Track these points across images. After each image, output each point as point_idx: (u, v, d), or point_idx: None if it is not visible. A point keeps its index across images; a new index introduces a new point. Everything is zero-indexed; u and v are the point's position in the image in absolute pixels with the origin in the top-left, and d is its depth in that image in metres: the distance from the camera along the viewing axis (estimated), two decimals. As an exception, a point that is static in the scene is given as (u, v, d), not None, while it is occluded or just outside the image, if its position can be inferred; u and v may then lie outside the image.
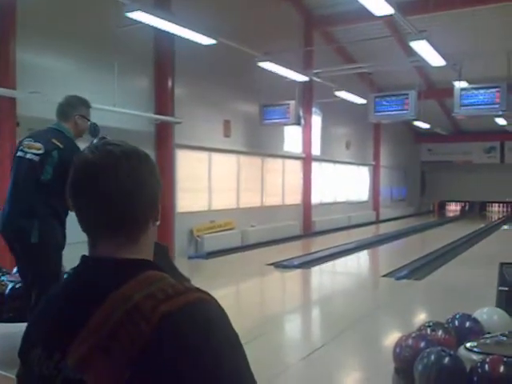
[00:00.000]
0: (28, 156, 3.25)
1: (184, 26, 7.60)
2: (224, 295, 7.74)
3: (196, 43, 8.19)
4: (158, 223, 1.04)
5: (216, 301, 0.92)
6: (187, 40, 8.11)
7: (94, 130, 3.46)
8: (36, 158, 3.23)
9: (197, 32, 7.79)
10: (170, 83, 10.07)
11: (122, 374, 0.80)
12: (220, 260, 10.52)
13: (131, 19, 7.15)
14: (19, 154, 3.33)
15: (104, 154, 0.95)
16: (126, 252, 0.95)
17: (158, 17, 7.24)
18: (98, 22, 8.53)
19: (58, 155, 3.21)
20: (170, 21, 7.44)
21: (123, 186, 0.94)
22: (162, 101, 10.02)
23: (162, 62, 9.98)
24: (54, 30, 7.96)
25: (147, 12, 7.01)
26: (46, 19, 7.85)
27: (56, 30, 7.99)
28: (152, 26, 7.73)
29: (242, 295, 8.23)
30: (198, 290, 0.91)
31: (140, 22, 7.35)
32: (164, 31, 7.92)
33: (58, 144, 3.24)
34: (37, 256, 3.23)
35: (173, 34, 8.03)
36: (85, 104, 3.50)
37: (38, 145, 3.25)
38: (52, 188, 3.18)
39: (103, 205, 0.94)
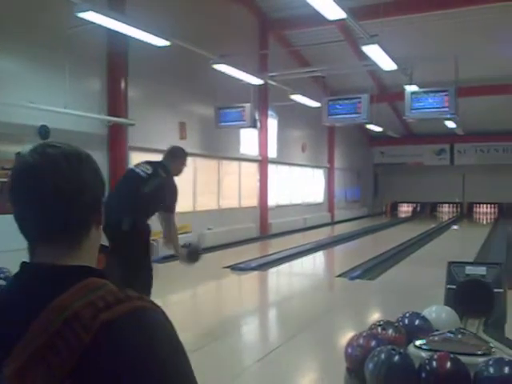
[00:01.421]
0: (142, 174, 4.68)
1: (137, 27, 7.52)
2: (180, 299, 7.68)
3: (150, 45, 8.11)
4: (101, 227, 1.02)
5: (160, 308, 0.90)
6: (141, 41, 8.02)
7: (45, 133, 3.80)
8: (144, 175, 4.67)
9: (150, 33, 7.72)
10: (123, 84, 9.90)
11: None
12: (176, 264, 10.34)
13: (83, 19, 7.02)
14: (135, 170, 4.79)
15: (42, 157, 0.92)
16: (66, 258, 0.92)
17: (111, 17, 7.13)
18: (48, 22, 8.32)
19: (159, 180, 4.72)
20: (122, 22, 7.34)
21: (62, 188, 0.91)
22: (115, 102, 9.84)
23: (115, 63, 9.81)
24: (1, 29, 7.71)
25: (99, 12, 6.90)
26: (-7, 18, 7.62)
27: (4, 29, 7.75)
28: (105, 27, 7.61)
29: (199, 299, 8.18)
30: (141, 297, 0.89)
31: (92, 23, 7.22)
32: (117, 32, 7.81)
33: (162, 173, 4.76)
34: (128, 241, 4.55)
35: (126, 35, 7.92)
36: (184, 154, 5.02)
37: (150, 168, 4.75)
38: (149, 198, 4.71)
39: (42, 209, 0.91)
